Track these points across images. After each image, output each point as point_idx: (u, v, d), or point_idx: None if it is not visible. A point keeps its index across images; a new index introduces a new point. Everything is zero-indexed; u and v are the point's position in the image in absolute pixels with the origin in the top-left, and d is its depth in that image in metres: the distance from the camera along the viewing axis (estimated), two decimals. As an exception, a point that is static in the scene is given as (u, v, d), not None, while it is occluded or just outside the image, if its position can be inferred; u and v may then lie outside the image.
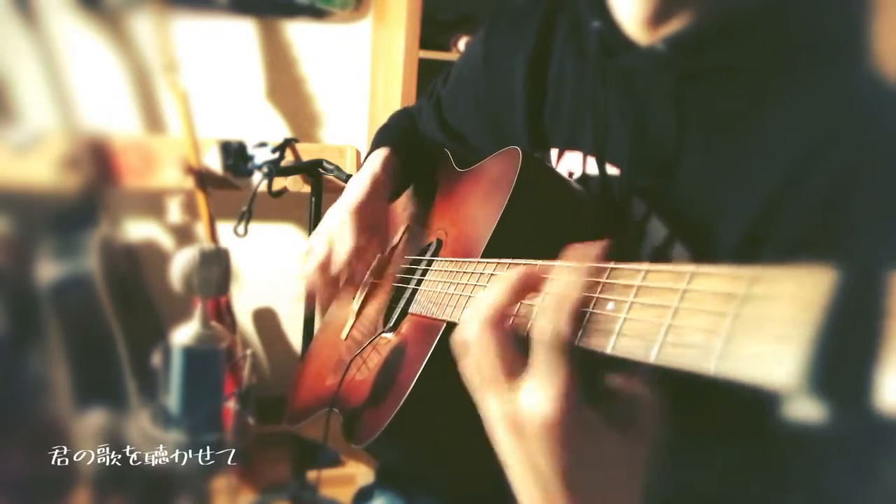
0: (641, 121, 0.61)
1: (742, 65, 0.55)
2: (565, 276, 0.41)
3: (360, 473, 1.80)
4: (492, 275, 0.55)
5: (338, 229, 0.81)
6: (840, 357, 0.27)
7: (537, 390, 0.39)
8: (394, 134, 0.95)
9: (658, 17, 0.57)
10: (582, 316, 0.40)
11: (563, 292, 0.40)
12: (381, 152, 0.89)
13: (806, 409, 0.28)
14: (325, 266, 0.79)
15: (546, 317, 0.40)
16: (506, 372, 0.41)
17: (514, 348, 0.42)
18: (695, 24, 0.56)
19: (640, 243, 0.61)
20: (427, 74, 1.76)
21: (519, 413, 0.40)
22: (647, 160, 0.61)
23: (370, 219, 0.82)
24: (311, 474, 1.65)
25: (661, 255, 0.60)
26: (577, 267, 0.41)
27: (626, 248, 0.62)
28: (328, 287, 0.80)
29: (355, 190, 0.84)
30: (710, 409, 0.47)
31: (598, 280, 0.41)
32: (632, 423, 0.41)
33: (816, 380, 0.27)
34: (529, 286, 0.44)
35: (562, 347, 0.39)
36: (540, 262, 0.48)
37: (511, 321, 0.46)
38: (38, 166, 1.33)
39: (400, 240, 0.89)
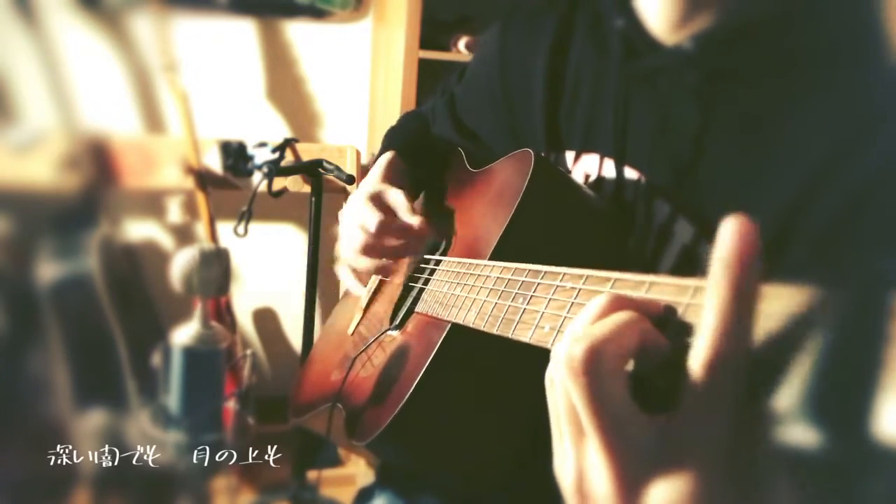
0: (665, 120, 0.60)
1: (769, 64, 0.55)
2: (731, 306, 0.30)
3: (360, 473, 1.80)
4: (499, 278, 0.54)
5: (359, 213, 0.78)
6: (838, 383, 0.26)
7: (677, 466, 0.31)
8: (399, 137, 0.93)
9: (685, 16, 0.56)
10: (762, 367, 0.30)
11: (735, 332, 0.30)
12: (386, 156, 0.88)
13: (799, 434, 0.26)
14: (367, 239, 0.76)
15: (709, 367, 0.30)
16: (611, 430, 0.33)
17: (629, 403, 0.33)
18: (721, 23, 0.55)
19: (666, 244, 0.60)
20: (427, 74, 1.76)
21: (641, 490, 0.32)
22: (670, 160, 0.60)
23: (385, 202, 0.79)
24: (311, 474, 1.65)
25: (690, 254, 0.59)
26: (746, 296, 0.30)
27: (644, 249, 0.62)
28: (377, 257, 0.77)
29: (365, 184, 0.82)
30: None
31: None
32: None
33: (813, 405, 0.26)
34: (647, 331, 0.34)
35: (723, 412, 0.30)
36: (551, 268, 0.47)
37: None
38: (38, 166, 1.32)
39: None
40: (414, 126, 0.96)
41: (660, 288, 0.36)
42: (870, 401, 0.25)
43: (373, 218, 0.75)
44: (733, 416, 0.30)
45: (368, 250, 0.77)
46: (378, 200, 0.78)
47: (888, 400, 0.25)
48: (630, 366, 0.34)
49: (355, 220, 0.78)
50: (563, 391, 0.34)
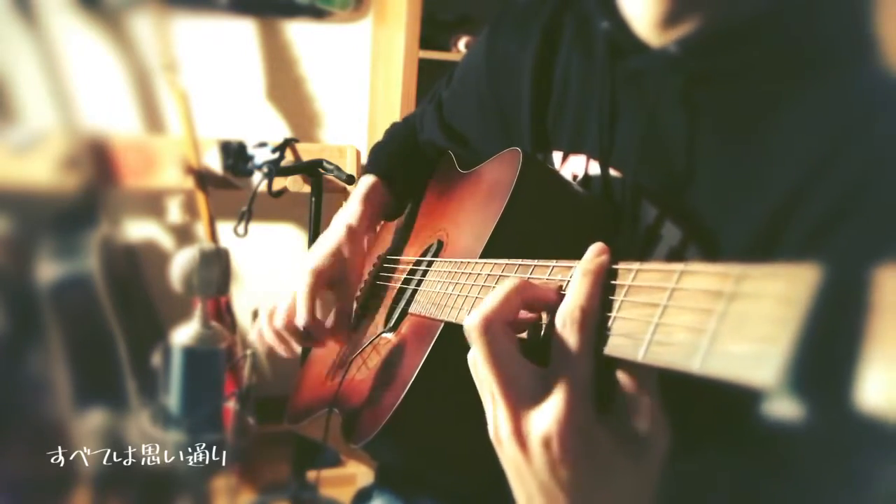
0: (651, 123, 0.60)
1: (753, 68, 0.55)
2: (582, 284, 0.40)
3: (360, 473, 1.80)
4: (489, 275, 0.55)
5: (297, 295, 0.81)
6: (821, 357, 0.27)
7: (549, 402, 0.39)
8: (383, 157, 0.94)
9: (670, 19, 0.56)
10: (602, 323, 0.39)
11: (581, 301, 0.39)
12: (367, 183, 0.89)
13: (786, 408, 0.28)
14: (284, 327, 0.83)
15: (563, 326, 0.39)
16: (504, 380, 0.40)
17: (515, 356, 0.41)
18: (706, 26, 0.55)
19: (654, 246, 0.60)
20: (427, 74, 1.76)
21: (525, 424, 0.39)
22: (656, 163, 0.60)
23: (335, 273, 0.82)
24: (311, 474, 1.65)
25: (677, 257, 0.59)
26: (592, 272, 0.40)
27: (631, 250, 0.62)
28: (283, 344, 0.85)
29: (323, 243, 0.85)
30: (697, 414, 0.47)
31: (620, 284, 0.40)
32: (641, 451, 0.40)
33: (796, 379, 0.27)
34: (530, 295, 0.43)
35: (579, 358, 0.39)
36: (541, 261, 0.48)
37: (518, 328, 0.44)
38: (38, 166, 1.33)
39: (402, 242, 0.89)
40: (398, 140, 0.96)
41: (646, 274, 0.39)
42: (853, 372, 0.26)
43: (303, 316, 0.79)
44: (587, 362, 0.39)
45: (287, 330, 0.83)
46: (316, 290, 0.80)
47: (870, 370, 0.26)
48: (521, 330, 0.44)
49: (291, 297, 0.82)
50: (476, 358, 0.41)
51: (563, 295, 0.42)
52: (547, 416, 0.38)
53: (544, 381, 0.40)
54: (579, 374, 0.39)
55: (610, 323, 0.39)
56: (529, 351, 0.42)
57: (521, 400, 0.40)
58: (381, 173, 0.90)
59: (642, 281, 0.38)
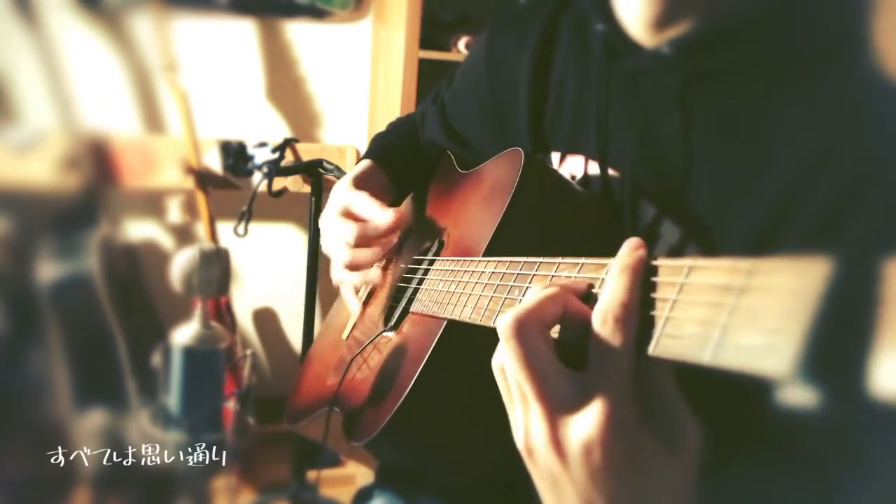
0: (647, 123, 0.61)
1: (748, 67, 0.55)
2: (621, 279, 0.38)
3: (360, 473, 1.80)
4: (493, 272, 0.55)
5: (335, 230, 0.80)
6: (833, 345, 0.27)
7: (590, 407, 0.37)
8: (381, 145, 0.94)
9: (663, 19, 0.57)
10: (646, 320, 0.37)
11: (622, 297, 0.37)
12: (361, 165, 0.89)
13: (799, 396, 0.28)
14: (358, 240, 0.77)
15: (604, 324, 0.37)
16: (541, 383, 0.38)
17: (552, 358, 0.39)
18: (700, 26, 0.56)
19: (653, 245, 0.61)
20: (427, 74, 1.77)
21: (563, 431, 0.37)
22: (654, 162, 0.60)
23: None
24: (311, 474, 1.65)
25: (677, 256, 0.59)
26: (631, 267, 0.38)
27: None
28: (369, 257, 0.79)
29: (334, 196, 0.84)
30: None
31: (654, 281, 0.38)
32: (680, 446, 0.39)
33: (809, 367, 0.27)
34: (569, 303, 0.40)
35: (622, 357, 0.37)
36: (546, 259, 0.48)
37: (554, 331, 0.42)
38: (38, 166, 1.33)
39: (401, 241, 0.89)
40: (399, 132, 0.96)
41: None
42: (863, 360, 0.26)
43: (349, 230, 0.77)
44: (630, 361, 0.37)
45: (356, 263, 0.79)
46: (349, 212, 0.80)
47: (881, 359, 0.26)
48: (556, 332, 0.41)
49: (334, 238, 0.80)
50: (507, 360, 0.39)
51: (593, 292, 0.41)
52: (588, 421, 0.37)
53: (583, 384, 0.38)
54: (621, 374, 0.37)
55: (655, 320, 0.37)
56: (563, 354, 0.40)
57: (559, 405, 0.38)
58: (378, 158, 0.90)
59: (651, 276, 0.38)
